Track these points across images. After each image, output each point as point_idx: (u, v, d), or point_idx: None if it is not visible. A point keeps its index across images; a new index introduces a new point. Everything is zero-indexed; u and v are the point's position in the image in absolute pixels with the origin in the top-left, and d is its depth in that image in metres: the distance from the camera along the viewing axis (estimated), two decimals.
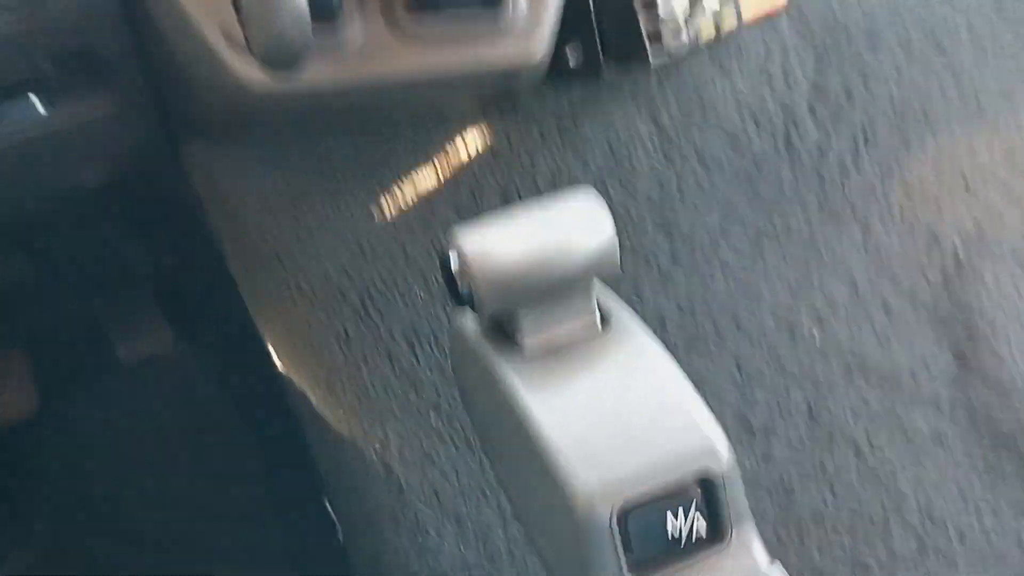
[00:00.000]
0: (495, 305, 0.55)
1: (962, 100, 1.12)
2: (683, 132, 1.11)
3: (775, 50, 1.12)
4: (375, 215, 1.00)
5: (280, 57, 0.62)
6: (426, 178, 1.04)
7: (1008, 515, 0.91)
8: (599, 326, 0.57)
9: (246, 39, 0.62)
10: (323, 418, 0.93)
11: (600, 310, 0.58)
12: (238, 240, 0.97)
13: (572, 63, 1.06)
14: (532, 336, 0.56)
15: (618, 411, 0.53)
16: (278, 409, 0.96)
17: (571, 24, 0.85)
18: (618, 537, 0.49)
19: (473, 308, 0.55)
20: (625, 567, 0.50)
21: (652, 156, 1.11)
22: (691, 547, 0.51)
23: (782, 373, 0.98)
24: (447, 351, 0.95)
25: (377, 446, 0.91)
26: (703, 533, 0.52)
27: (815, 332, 1.01)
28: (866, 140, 1.10)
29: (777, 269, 1.04)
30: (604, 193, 1.07)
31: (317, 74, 0.67)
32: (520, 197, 1.05)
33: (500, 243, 0.54)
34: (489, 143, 1.06)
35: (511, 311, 0.55)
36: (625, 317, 0.58)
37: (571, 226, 0.55)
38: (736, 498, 0.52)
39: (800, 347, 1.00)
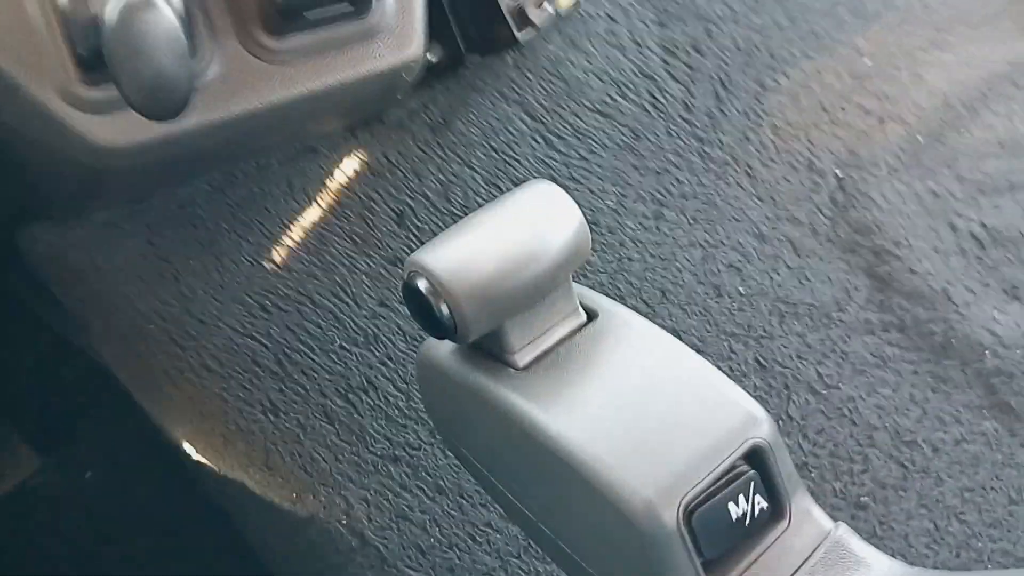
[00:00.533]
0: (482, 326, 0.48)
1: (799, 32, 1.15)
2: (555, 114, 1.07)
3: (617, 15, 1.11)
4: (266, 264, 0.89)
5: (164, 102, 0.53)
6: (310, 214, 0.95)
7: (969, 418, 0.93)
8: (585, 321, 0.52)
9: (120, 89, 0.53)
10: (268, 503, 0.81)
11: (581, 304, 0.53)
12: (105, 320, 0.83)
13: (434, 59, 1.00)
14: (522, 348, 0.50)
15: (642, 404, 0.48)
16: (208, 512, 0.83)
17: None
18: (688, 539, 0.44)
19: (454, 335, 0.48)
20: (701, 570, 0.45)
21: (533, 144, 1.06)
22: (756, 527, 0.47)
23: (721, 333, 0.96)
24: (387, 396, 0.86)
25: (342, 518, 0.81)
26: (765, 510, 0.48)
27: (738, 286, 1.00)
28: (724, 88, 1.11)
29: (685, 232, 1.02)
30: (497, 191, 1.01)
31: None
32: (413, 215, 0.97)
33: (472, 257, 0.48)
34: (367, 164, 0.98)
35: (494, 328, 0.49)
36: (607, 304, 0.53)
37: (539, 222, 0.50)
38: (787, 464, 0.48)
39: (729, 303, 0.98)
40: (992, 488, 0.86)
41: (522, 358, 0.50)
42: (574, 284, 0.53)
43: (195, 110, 0.60)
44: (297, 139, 0.89)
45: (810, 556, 0.48)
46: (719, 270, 0.98)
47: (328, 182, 0.95)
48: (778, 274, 1.00)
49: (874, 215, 1.06)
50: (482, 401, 0.51)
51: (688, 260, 0.99)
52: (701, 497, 0.45)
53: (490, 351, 0.51)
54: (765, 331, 0.96)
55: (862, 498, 0.86)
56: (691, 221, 1.03)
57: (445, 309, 0.47)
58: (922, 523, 0.84)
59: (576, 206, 0.50)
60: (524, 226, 0.49)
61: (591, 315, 0.53)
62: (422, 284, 0.48)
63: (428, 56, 0.89)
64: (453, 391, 0.53)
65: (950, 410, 0.92)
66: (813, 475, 0.89)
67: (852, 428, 0.90)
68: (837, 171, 1.09)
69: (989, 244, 1.04)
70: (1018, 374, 0.93)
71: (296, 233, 0.92)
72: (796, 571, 0.47)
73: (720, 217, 1.04)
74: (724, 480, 0.46)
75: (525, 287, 0.49)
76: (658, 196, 1.05)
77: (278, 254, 0.90)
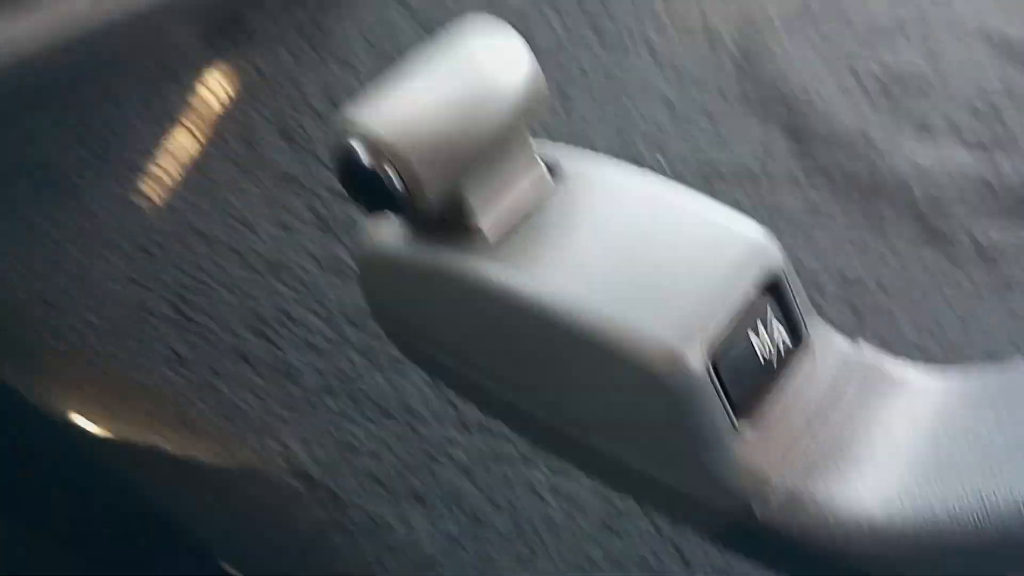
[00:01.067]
0: (438, 189, 0.40)
1: None
2: (433, 4, 0.99)
3: None
4: (138, 203, 0.78)
5: None
6: (180, 140, 0.83)
7: (907, 250, 0.91)
8: (549, 177, 0.46)
9: None
10: (192, 465, 0.71)
11: (546, 157, 0.46)
12: None
13: None
14: (487, 215, 0.43)
15: (639, 250, 0.42)
16: (122, 494, 0.72)
17: None
18: (718, 385, 0.39)
19: (406, 207, 0.40)
20: (734, 417, 0.39)
21: (414, 36, 0.97)
22: (780, 362, 0.42)
23: None
24: (306, 325, 0.76)
25: (281, 463, 0.71)
26: (787, 342, 0.42)
27: (660, 159, 0.95)
28: None
29: (596, 114, 0.96)
30: None
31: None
32: (301, 128, 0.87)
33: (415, 107, 0.40)
34: (237, 79, 0.87)
35: (452, 193, 0.42)
36: (571, 153, 0.47)
37: (486, 63, 0.43)
38: (799, 290, 0.43)
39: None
40: (940, 315, 0.85)
41: (488, 223, 0.43)
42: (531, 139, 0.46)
43: (26, 27, 0.49)
44: (149, 54, 0.77)
45: (839, 379, 0.42)
46: (636, 142, 0.93)
47: (195, 103, 0.84)
48: (696, 140, 0.95)
49: (778, 69, 1.03)
50: (455, 284, 0.43)
51: (605, 140, 0.93)
52: (723, 337, 0.40)
53: (450, 223, 0.43)
54: None
55: None
56: (600, 101, 0.97)
57: (392, 173, 0.39)
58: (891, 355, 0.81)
59: (524, 43, 0.43)
60: (470, 65, 0.42)
61: (555, 167, 0.46)
62: (359, 147, 0.40)
63: None
64: (413, 282, 0.45)
65: (887, 243, 0.89)
66: None
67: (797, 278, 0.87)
68: (734, 33, 1.05)
69: (891, 82, 1.02)
70: (945, 200, 0.91)
71: (169, 164, 0.80)
72: (830, 396, 0.42)
73: (628, 94, 0.98)
74: (744, 316, 0.40)
75: (482, 137, 0.41)
76: (558, 79, 0.98)
77: (151, 189, 0.79)
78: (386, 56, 0.97)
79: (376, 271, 0.47)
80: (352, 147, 0.39)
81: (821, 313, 0.86)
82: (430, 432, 0.74)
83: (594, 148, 0.95)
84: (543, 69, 0.99)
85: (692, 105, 0.99)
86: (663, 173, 0.93)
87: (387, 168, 0.39)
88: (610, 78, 0.99)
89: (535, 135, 0.44)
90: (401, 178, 0.39)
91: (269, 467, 0.71)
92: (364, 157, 0.39)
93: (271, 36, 0.89)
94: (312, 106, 0.91)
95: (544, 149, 0.46)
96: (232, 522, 0.71)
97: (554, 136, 0.95)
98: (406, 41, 0.98)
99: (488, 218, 0.43)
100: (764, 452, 0.40)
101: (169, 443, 0.71)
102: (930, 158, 0.96)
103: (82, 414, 0.73)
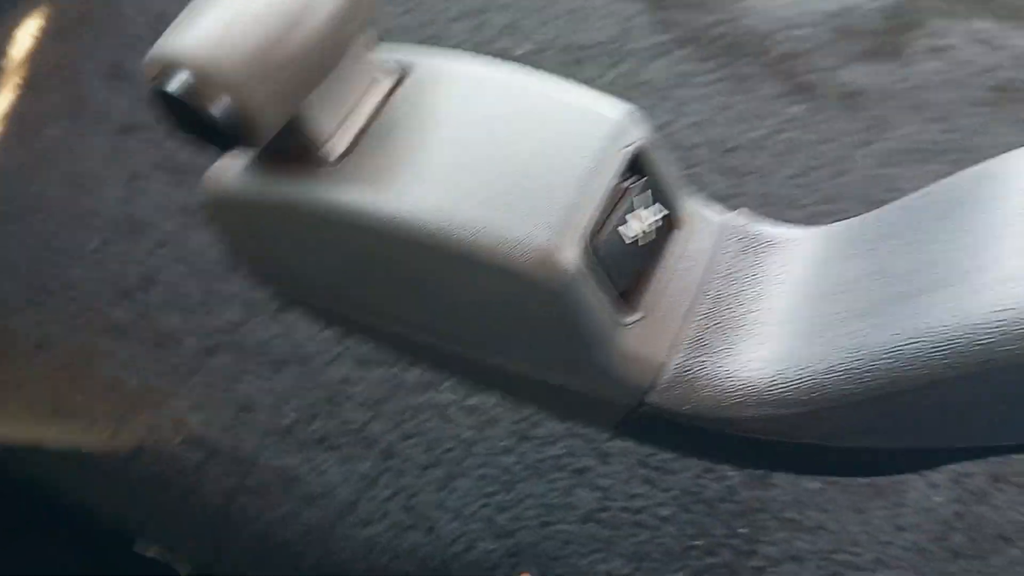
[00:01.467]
0: (275, 114, 0.37)
1: None
2: None
3: None
4: None
5: None
6: (5, 103, 0.76)
7: (775, 107, 0.91)
8: (397, 80, 0.43)
9: None
10: (79, 453, 0.67)
11: (387, 64, 0.43)
12: None
13: None
14: (332, 135, 0.41)
15: (497, 147, 0.40)
16: (7, 490, 0.68)
17: None
18: (596, 279, 0.38)
19: (244, 138, 0.37)
20: (617, 306, 0.39)
21: None
22: (657, 243, 0.42)
23: None
24: (174, 287, 0.72)
25: (175, 436, 0.68)
26: (661, 221, 0.42)
27: (525, 44, 0.91)
28: None
29: (453, 8, 0.91)
30: None
31: None
32: (133, 64, 0.80)
33: (233, 27, 0.37)
34: (58, 26, 0.79)
35: (291, 115, 0.39)
36: (417, 55, 0.44)
37: None
38: (668, 165, 0.42)
39: (521, 58, 0.90)
40: (815, 167, 0.85)
41: (336, 146, 0.40)
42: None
43: None
44: None
45: (717, 252, 0.42)
46: (496, 37, 0.89)
47: (13, 56, 0.76)
48: (557, 23, 0.91)
49: None
50: (306, 216, 0.40)
51: (460, 32, 0.89)
52: (597, 225, 0.38)
53: (294, 150, 0.40)
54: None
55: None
56: None
57: (224, 104, 0.36)
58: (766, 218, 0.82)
59: None
60: None
61: (403, 71, 0.43)
62: (181, 82, 0.36)
63: None
64: (264, 221, 0.42)
65: (757, 106, 0.89)
66: None
67: (675, 154, 0.86)
68: None
69: None
70: (810, 49, 0.91)
71: None
72: (709, 271, 0.41)
73: None
74: (612, 201, 0.39)
75: (311, 49, 0.38)
76: None
77: None
78: None
79: (224, 215, 0.43)
80: (175, 85, 0.35)
81: (701, 182, 0.86)
82: (326, 375, 0.72)
83: (451, 46, 0.91)
84: None
85: None
86: (531, 60, 0.90)
87: (218, 100, 0.36)
88: None
89: (386, 39, 0.40)
90: (236, 107, 0.36)
91: (163, 442, 0.68)
92: (188, 92, 0.35)
93: None
94: (140, 37, 0.83)
95: (391, 54, 0.43)
96: (138, 503, 0.69)
97: (406, 38, 0.90)
98: None
99: (334, 138, 0.40)
100: (650, 338, 0.40)
101: (52, 434, 0.67)
102: (792, 8, 0.95)
103: None
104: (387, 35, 0.88)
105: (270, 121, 0.37)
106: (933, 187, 0.39)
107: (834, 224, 0.44)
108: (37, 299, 0.68)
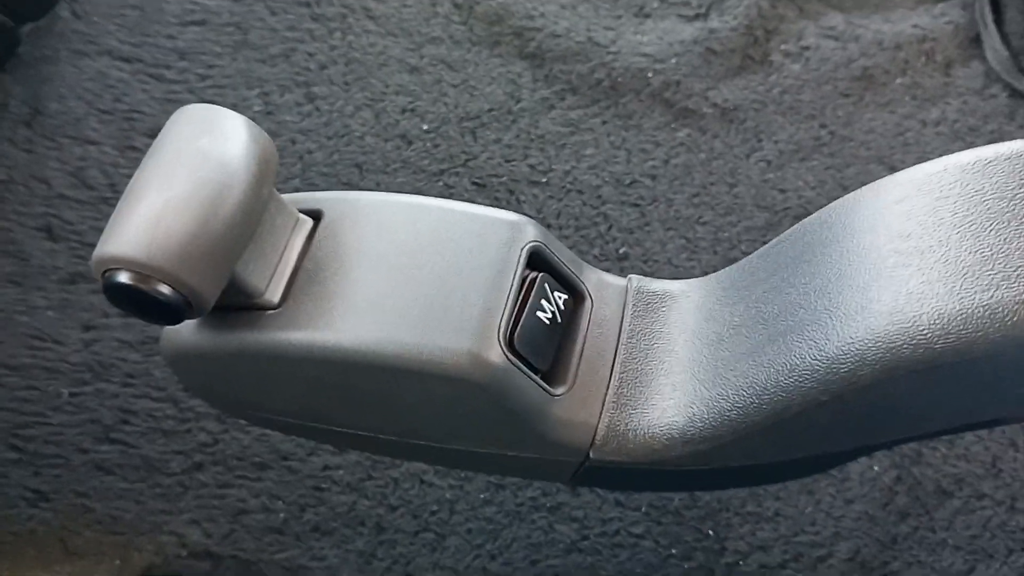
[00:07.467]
0: (213, 285, 0.43)
1: None
2: (147, 46, 0.96)
3: None
4: None
5: None
6: None
7: (665, 137, 0.99)
8: (313, 225, 0.49)
9: None
10: None
11: (300, 211, 0.49)
12: None
13: None
14: (268, 285, 0.46)
15: (413, 269, 0.46)
16: None
17: None
18: (521, 364, 0.45)
19: (191, 311, 0.43)
20: (543, 385, 0.46)
21: (144, 88, 0.95)
22: (567, 320, 0.49)
23: (429, 175, 0.95)
24: (151, 415, 0.77)
25: (180, 551, 0.73)
26: (568, 300, 0.49)
27: (421, 127, 0.98)
28: None
29: (343, 100, 0.98)
30: (135, 153, 0.91)
31: None
32: (64, 221, 0.85)
33: (161, 221, 0.42)
34: None
35: (229, 280, 0.44)
36: (323, 197, 0.50)
37: (212, 148, 0.44)
38: (563, 251, 0.49)
39: (422, 146, 0.96)
40: (711, 184, 0.93)
41: (273, 293, 0.46)
42: (282, 195, 0.48)
43: None
44: None
45: (623, 316, 0.49)
46: (397, 121, 0.95)
47: None
48: (448, 97, 0.98)
49: (497, 1, 1.06)
50: (260, 360, 0.46)
51: (363, 123, 0.95)
52: (514, 318, 0.45)
53: (238, 305, 0.45)
54: (466, 152, 0.95)
55: (620, 250, 0.90)
56: (344, 86, 0.98)
57: (166, 289, 0.41)
58: (676, 242, 0.90)
59: (233, 112, 0.45)
60: (197, 158, 0.43)
61: (316, 216, 0.49)
62: (125, 277, 0.41)
63: None
64: (223, 368, 0.47)
65: (647, 138, 0.97)
66: (573, 252, 0.92)
67: (581, 197, 0.94)
68: None
69: None
70: (683, 77, 0.99)
71: None
72: (619, 334, 0.48)
73: (367, 70, 0.99)
74: (521, 295, 0.46)
75: (235, 220, 0.43)
76: (298, 78, 0.98)
77: None
78: (123, 118, 0.94)
79: (185, 367, 0.49)
80: (120, 281, 0.41)
81: (608, 220, 0.94)
82: (308, 466, 0.77)
83: (358, 136, 0.97)
84: (284, 75, 1.00)
85: (432, 63, 1.01)
86: (430, 140, 0.97)
87: (159, 287, 0.41)
88: (350, 63, 1.00)
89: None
90: (178, 291, 0.41)
91: (170, 559, 0.72)
92: (133, 284, 0.41)
93: None
94: (65, 195, 0.88)
95: (300, 203, 0.49)
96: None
97: (314, 139, 0.97)
98: (139, 97, 0.95)
99: (271, 287, 0.46)
100: (579, 405, 0.47)
101: (67, 573, 0.71)
102: (655, 43, 1.03)
103: None
104: (295, 139, 0.94)
105: (211, 291, 0.42)
106: (784, 235, 0.47)
107: (717, 273, 0.51)
108: (20, 456, 0.72)
